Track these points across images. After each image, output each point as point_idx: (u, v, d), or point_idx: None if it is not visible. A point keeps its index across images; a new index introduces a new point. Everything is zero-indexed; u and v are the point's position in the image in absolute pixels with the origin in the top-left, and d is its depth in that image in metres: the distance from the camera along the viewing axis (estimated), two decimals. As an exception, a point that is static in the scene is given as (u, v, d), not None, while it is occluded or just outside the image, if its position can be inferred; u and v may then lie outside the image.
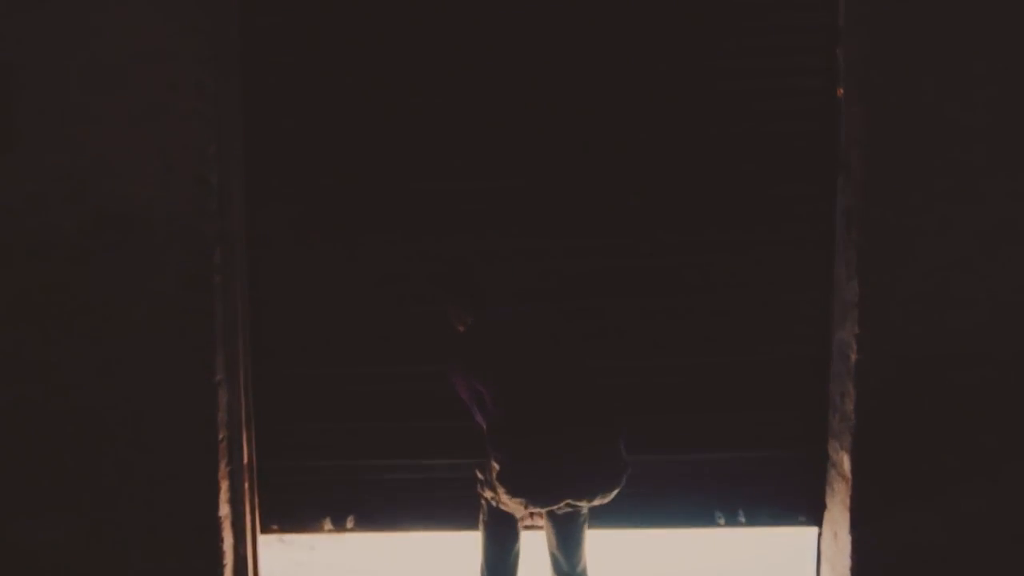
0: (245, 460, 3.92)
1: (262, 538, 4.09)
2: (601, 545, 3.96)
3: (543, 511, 3.60)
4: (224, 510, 3.80)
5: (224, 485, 3.80)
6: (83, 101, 3.59)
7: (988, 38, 3.56)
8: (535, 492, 3.41)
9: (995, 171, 3.58)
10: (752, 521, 4.10)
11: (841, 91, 3.80)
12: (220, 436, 3.76)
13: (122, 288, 3.64)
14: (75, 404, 3.70)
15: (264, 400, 4.05)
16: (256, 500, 4.03)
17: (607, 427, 3.43)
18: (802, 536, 4.15)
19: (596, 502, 3.45)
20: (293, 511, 4.13)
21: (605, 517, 3.88)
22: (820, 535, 4.06)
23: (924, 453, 3.69)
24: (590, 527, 3.76)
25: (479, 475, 3.70)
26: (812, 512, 4.06)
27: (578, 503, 3.46)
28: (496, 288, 3.82)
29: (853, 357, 3.68)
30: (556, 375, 3.46)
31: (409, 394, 4.06)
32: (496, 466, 3.42)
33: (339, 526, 4.13)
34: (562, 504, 3.44)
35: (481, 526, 3.73)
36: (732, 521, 4.11)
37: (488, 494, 3.64)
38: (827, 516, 4.00)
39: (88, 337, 3.66)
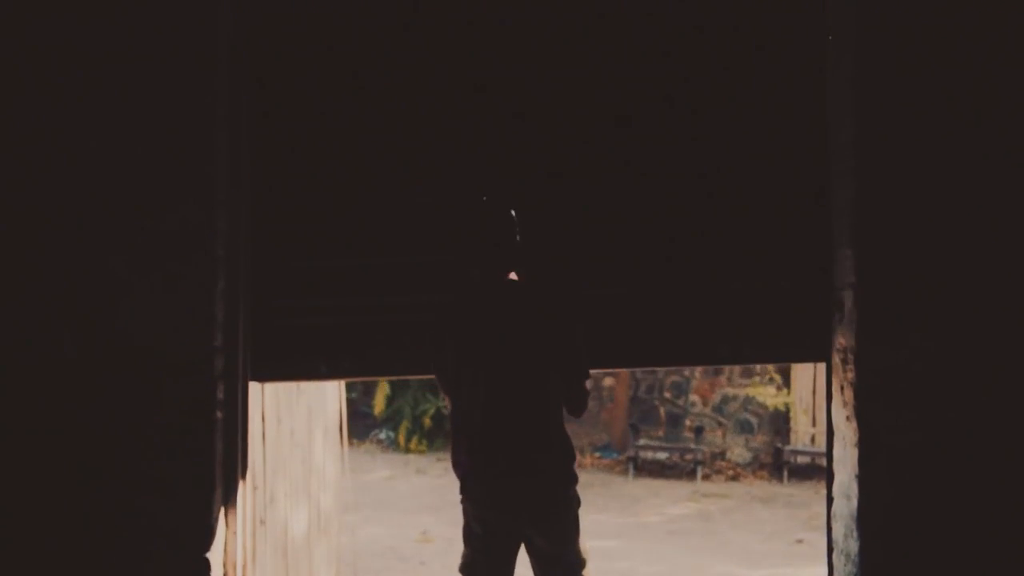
0: (241, 600, 3.85)
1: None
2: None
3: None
4: (217, 655, 3.70)
5: (218, 627, 3.71)
6: (96, 236, 3.66)
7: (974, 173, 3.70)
8: (485, 507, 3.64)
9: (993, 309, 3.65)
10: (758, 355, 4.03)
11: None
12: None
13: (124, 422, 3.63)
14: (62, 544, 3.63)
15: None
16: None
17: (556, 468, 3.63)
18: None
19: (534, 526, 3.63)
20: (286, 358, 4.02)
21: (604, 357, 3.80)
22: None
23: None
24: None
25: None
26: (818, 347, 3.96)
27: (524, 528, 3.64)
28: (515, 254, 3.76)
29: (855, 500, 3.66)
30: (519, 397, 3.61)
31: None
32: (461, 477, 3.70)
33: (334, 370, 4.06)
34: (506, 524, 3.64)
35: None
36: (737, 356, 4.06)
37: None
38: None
39: (86, 469, 3.62)
